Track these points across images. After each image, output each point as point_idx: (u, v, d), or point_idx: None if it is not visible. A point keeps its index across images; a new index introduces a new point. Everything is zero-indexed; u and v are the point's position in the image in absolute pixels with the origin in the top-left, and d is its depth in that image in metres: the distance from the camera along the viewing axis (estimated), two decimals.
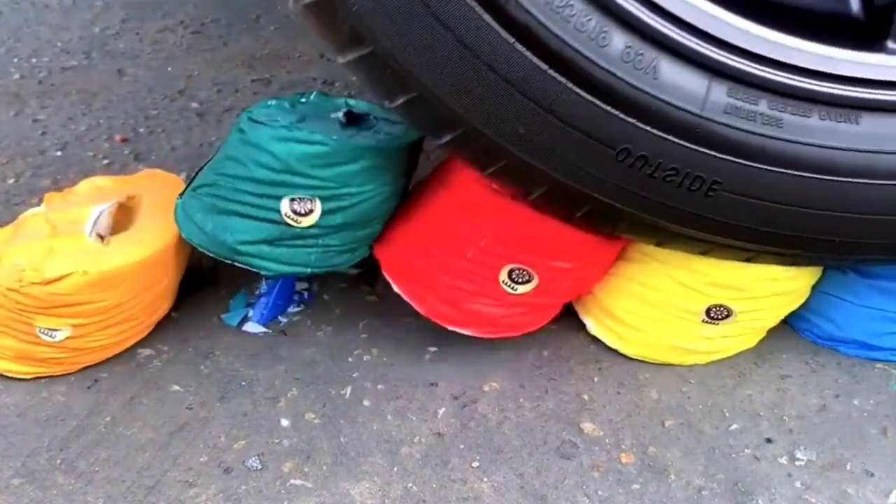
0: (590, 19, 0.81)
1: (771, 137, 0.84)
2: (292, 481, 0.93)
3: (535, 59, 0.81)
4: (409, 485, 0.93)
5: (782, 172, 0.85)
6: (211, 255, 1.03)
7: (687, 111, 0.83)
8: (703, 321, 1.01)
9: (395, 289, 1.05)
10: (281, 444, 0.97)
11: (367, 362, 1.07)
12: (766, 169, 0.85)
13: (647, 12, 0.81)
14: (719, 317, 1.01)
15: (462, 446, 0.97)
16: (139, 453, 0.96)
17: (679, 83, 0.83)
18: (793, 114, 0.84)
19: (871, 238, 0.90)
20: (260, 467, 0.95)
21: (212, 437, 0.98)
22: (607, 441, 0.97)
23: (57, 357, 1.03)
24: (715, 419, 0.99)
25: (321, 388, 1.04)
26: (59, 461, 0.96)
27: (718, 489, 0.91)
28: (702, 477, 0.93)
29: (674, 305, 1.01)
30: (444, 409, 1.01)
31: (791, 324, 1.10)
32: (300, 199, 0.97)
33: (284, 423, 1.00)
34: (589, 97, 0.82)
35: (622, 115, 0.83)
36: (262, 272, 1.03)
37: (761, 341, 1.09)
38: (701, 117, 0.84)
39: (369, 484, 0.93)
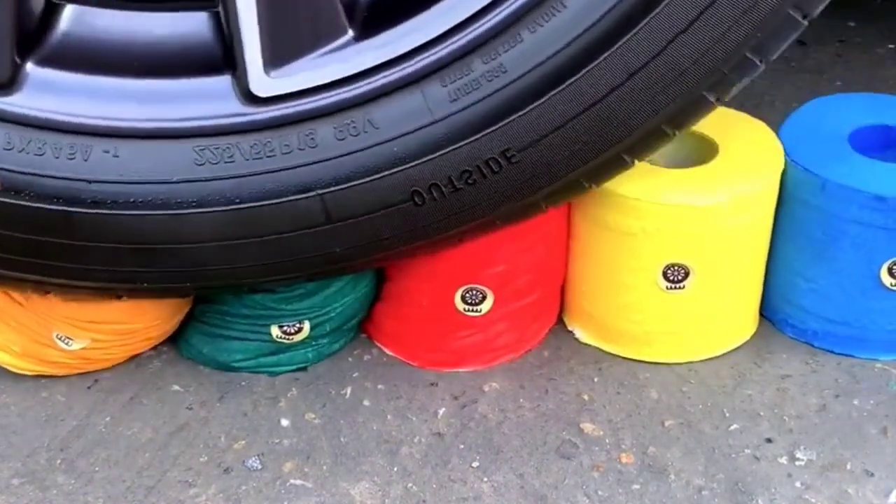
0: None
1: (504, 85, 0.84)
2: (292, 481, 0.93)
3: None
4: (409, 485, 0.93)
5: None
6: (218, 371, 1.06)
7: (426, 125, 0.85)
8: (666, 288, 1.01)
9: (388, 352, 1.08)
10: (281, 444, 0.97)
11: (367, 362, 1.07)
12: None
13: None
14: (679, 278, 1.00)
15: (462, 446, 0.97)
16: (139, 453, 0.96)
17: (403, 111, 0.85)
18: (484, 62, 0.84)
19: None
20: (260, 467, 0.95)
21: (212, 437, 0.98)
22: (607, 441, 0.97)
23: (65, 362, 1.03)
24: (715, 419, 0.99)
25: (321, 388, 1.04)
26: (59, 461, 0.96)
27: (718, 489, 0.91)
28: (702, 477, 0.93)
29: (633, 283, 1.02)
30: (444, 409, 1.01)
31: (771, 319, 1.11)
32: (288, 324, 1.01)
33: (284, 423, 1.00)
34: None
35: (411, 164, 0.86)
36: (271, 375, 1.06)
37: (758, 332, 1.09)
38: (440, 119, 0.84)
39: (369, 484, 0.93)
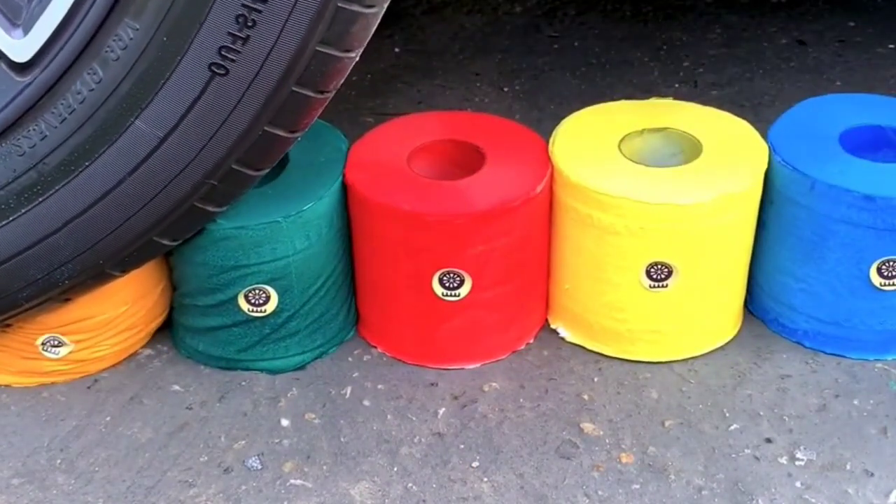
0: None
1: None
2: (292, 481, 0.93)
3: None
4: (409, 485, 0.93)
5: None
6: (219, 369, 1.06)
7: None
8: (650, 287, 1.01)
9: (380, 350, 1.08)
10: (281, 444, 0.97)
11: (367, 362, 1.07)
12: None
13: None
14: (662, 276, 1.01)
15: (462, 446, 0.97)
16: (139, 453, 0.96)
17: None
18: None
19: None
20: (260, 467, 0.95)
21: (212, 437, 0.98)
22: (607, 441, 0.97)
23: (62, 369, 1.03)
24: (715, 419, 0.99)
25: (321, 388, 1.04)
26: (59, 461, 0.96)
27: (718, 489, 0.91)
28: (702, 477, 0.93)
29: (617, 281, 1.02)
30: (444, 409, 1.01)
31: (762, 319, 1.11)
32: (252, 290, 1.00)
33: (284, 423, 1.00)
34: None
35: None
36: (271, 373, 1.06)
37: (757, 332, 1.09)
38: None
39: (369, 484, 0.93)
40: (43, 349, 1.01)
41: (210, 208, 0.92)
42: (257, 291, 1.00)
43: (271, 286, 1.00)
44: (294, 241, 0.98)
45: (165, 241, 0.94)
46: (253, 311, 1.01)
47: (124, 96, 0.84)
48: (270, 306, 1.01)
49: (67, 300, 0.98)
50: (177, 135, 0.86)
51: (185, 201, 0.90)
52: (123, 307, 1.02)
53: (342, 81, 0.87)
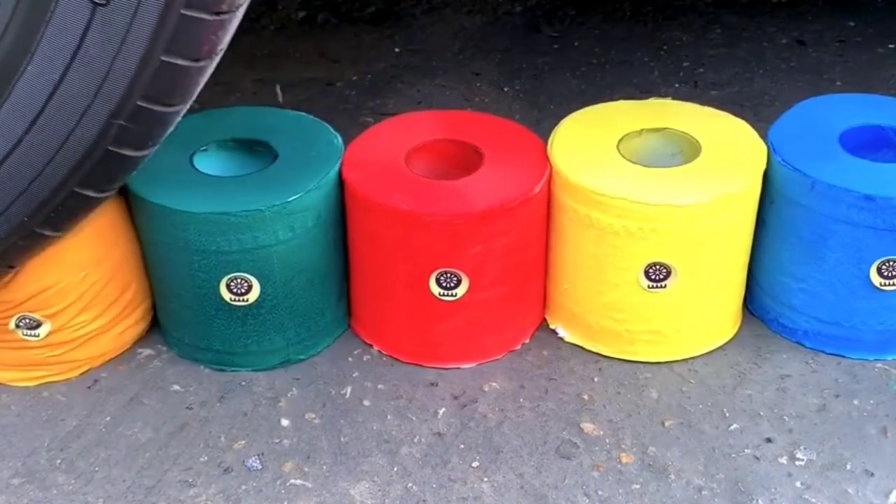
0: None
1: None
2: (292, 481, 0.93)
3: None
4: (409, 485, 0.93)
5: None
6: (210, 368, 1.06)
7: None
8: (648, 287, 1.01)
9: (376, 349, 1.08)
10: (281, 444, 0.97)
11: (366, 362, 1.07)
12: None
13: None
14: (660, 277, 1.01)
15: (462, 446, 0.97)
16: (139, 453, 0.96)
17: None
18: None
19: None
20: (260, 467, 0.95)
21: (212, 437, 0.98)
22: (607, 441, 0.97)
23: (52, 355, 1.03)
24: (715, 419, 0.99)
25: (321, 388, 1.04)
26: (59, 461, 0.96)
27: (718, 489, 0.92)
28: (702, 477, 0.93)
29: (616, 281, 1.02)
30: (444, 409, 1.01)
31: (762, 319, 1.11)
32: (233, 279, 1.00)
33: (284, 423, 1.00)
34: None
35: None
36: (259, 369, 1.06)
37: (757, 332, 1.09)
38: None
39: (369, 484, 0.93)
40: (20, 332, 1.00)
41: (127, 152, 0.88)
42: (239, 280, 1.00)
43: (253, 275, 1.00)
44: (277, 232, 0.98)
45: (91, 193, 0.90)
46: (235, 300, 1.01)
47: (12, 45, 0.81)
48: (252, 296, 1.01)
49: (11, 267, 0.95)
50: (71, 75, 0.82)
51: (96, 146, 0.86)
52: (81, 273, 1.00)
53: (239, 2, 0.83)
